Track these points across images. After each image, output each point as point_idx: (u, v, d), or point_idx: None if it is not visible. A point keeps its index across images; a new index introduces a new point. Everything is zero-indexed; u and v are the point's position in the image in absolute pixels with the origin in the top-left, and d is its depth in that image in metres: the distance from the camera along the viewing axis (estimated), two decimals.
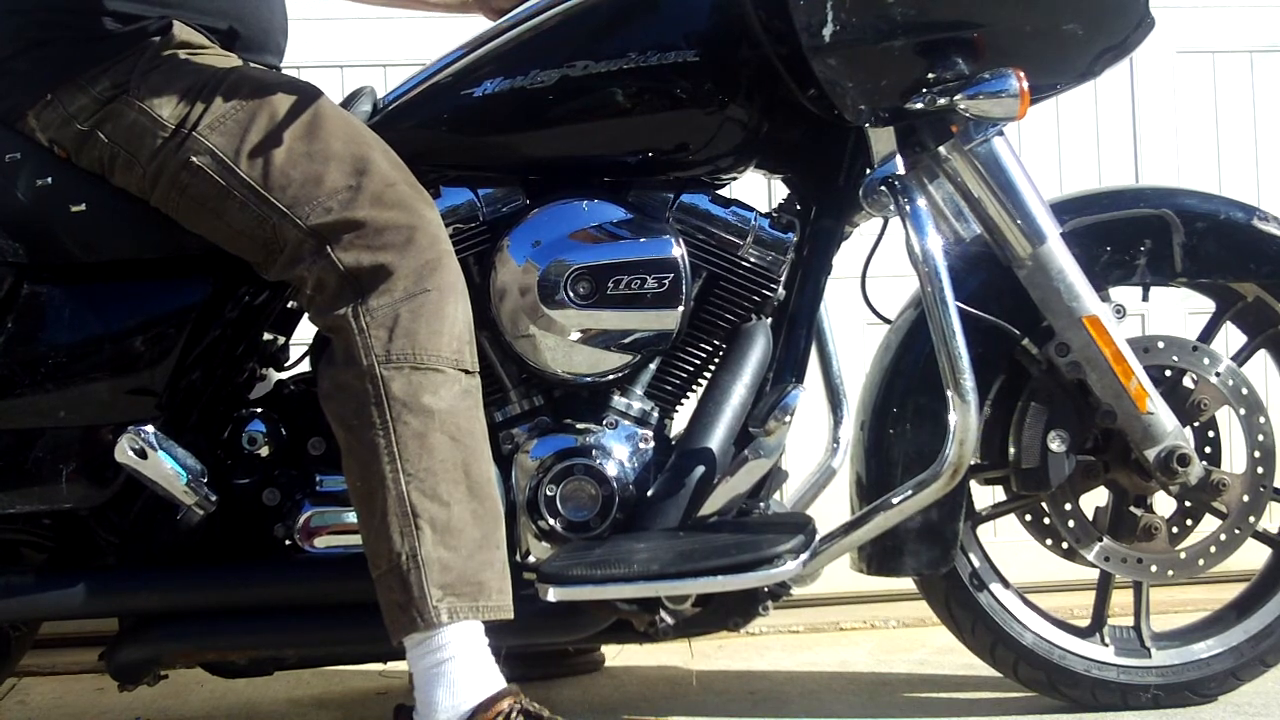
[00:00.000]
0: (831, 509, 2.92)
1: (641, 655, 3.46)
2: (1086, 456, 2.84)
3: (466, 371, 2.47)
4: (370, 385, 2.42)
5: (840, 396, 2.94)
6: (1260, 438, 2.85)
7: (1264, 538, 2.98)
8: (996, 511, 2.98)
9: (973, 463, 2.72)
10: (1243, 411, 2.85)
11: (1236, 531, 2.85)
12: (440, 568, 2.39)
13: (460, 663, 2.40)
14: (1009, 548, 3.09)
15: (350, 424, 2.44)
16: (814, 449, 2.96)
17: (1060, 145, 4.04)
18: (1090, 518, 2.87)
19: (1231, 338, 3.02)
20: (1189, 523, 2.87)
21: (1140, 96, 4.08)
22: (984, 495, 3.03)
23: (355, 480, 2.45)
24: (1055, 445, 2.79)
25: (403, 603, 2.39)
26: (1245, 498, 2.84)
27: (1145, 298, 2.92)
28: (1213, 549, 2.85)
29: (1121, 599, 2.97)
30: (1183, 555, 2.86)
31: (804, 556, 2.57)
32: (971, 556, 2.91)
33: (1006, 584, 2.93)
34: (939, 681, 3.17)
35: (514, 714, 2.39)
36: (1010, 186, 2.68)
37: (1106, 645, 2.93)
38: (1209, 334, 2.95)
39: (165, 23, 2.59)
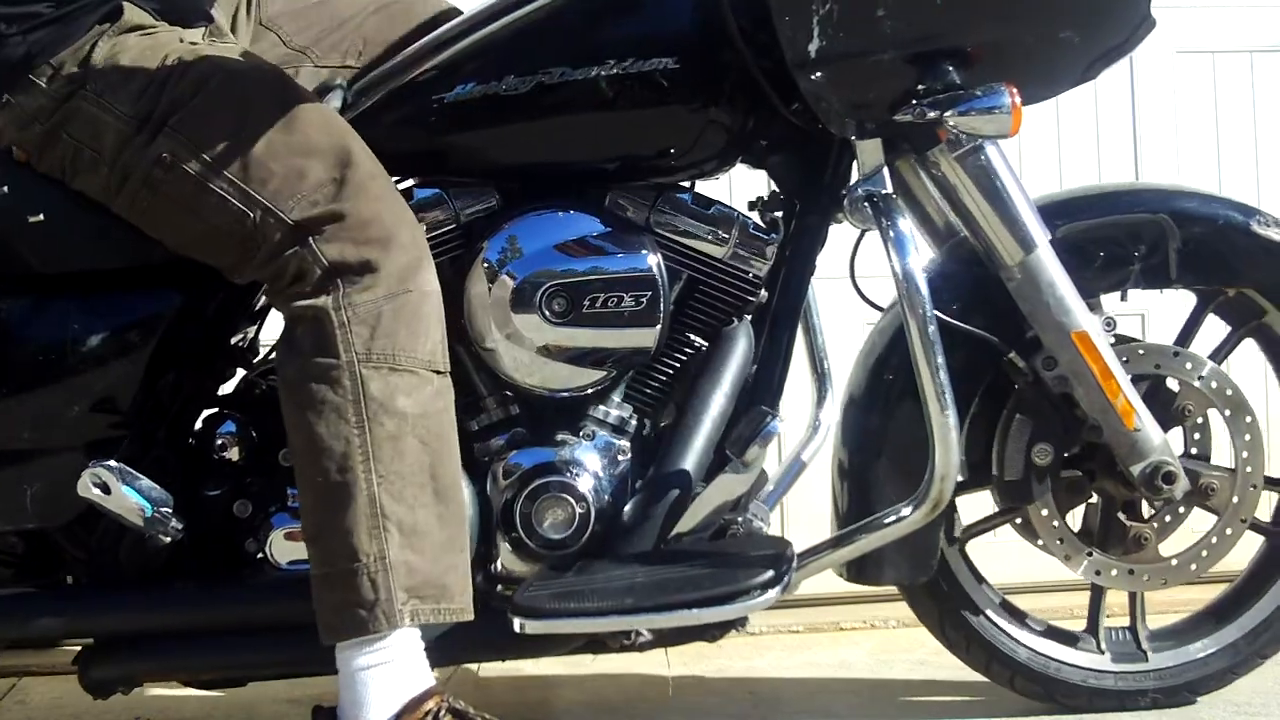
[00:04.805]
0: (817, 497, 2.96)
1: (640, 655, 3.45)
2: (1072, 471, 2.83)
3: (439, 373, 2.45)
4: (349, 381, 2.39)
5: (826, 381, 2.94)
6: (1247, 437, 2.83)
7: (1256, 527, 2.95)
8: (984, 527, 2.96)
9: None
10: (1228, 413, 2.83)
11: (1228, 532, 2.83)
12: (407, 571, 2.37)
13: (396, 666, 2.39)
14: (1005, 548, 3.07)
15: (320, 415, 2.40)
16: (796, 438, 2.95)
17: (1060, 145, 4.01)
18: (1079, 523, 2.87)
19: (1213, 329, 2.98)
20: (1181, 510, 2.84)
21: (1140, 96, 4.05)
22: (980, 502, 3.01)
23: (315, 476, 2.41)
24: (1039, 458, 2.78)
25: (363, 603, 2.36)
26: (1235, 499, 2.83)
27: (1124, 298, 2.87)
28: (1204, 553, 2.84)
29: (1119, 597, 2.97)
30: (1174, 563, 2.84)
31: (779, 588, 2.54)
32: (961, 576, 2.91)
33: (998, 600, 2.94)
34: (939, 681, 3.16)
35: (441, 713, 2.38)
36: (999, 194, 2.64)
37: (1102, 653, 2.93)
38: (1191, 329, 2.92)
39: (113, 6, 2.51)
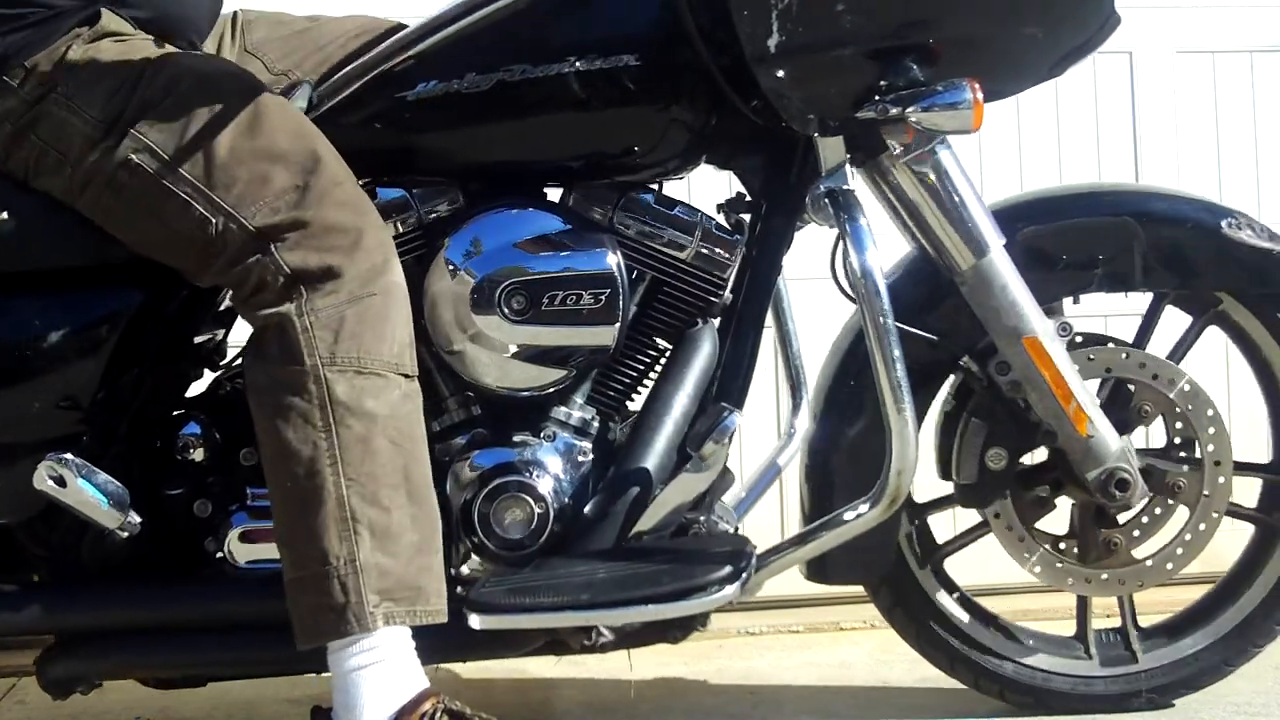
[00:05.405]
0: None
1: (640, 656, 3.46)
2: (1037, 478, 2.83)
3: (406, 376, 2.46)
4: (314, 386, 2.39)
5: (800, 388, 2.95)
6: (1211, 430, 2.80)
7: (1241, 514, 2.94)
8: (956, 546, 2.97)
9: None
10: (1189, 408, 2.80)
11: (1202, 528, 2.81)
12: (379, 573, 2.37)
13: (387, 666, 2.40)
14: (999, 548, 3.06)
15: (287, 420, 2.41)
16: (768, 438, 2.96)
17: (1060, 145, 3.99)
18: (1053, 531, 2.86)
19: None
20: (1160, 511, 2.84)
21: (1140, 96, 4.03)
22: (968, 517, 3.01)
23: (285, 480, 2.42)
24: (993, 463, 2.78)
25: (335, 606, 2.37)
26: (1205, 492, 2.80)
27: (1076, 301, 2.85)
28: (1180, 550, 2.82)
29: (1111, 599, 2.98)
30: (1149, 563, 2.83)
31: (737, 585, 2.54)
32: (940, 597, 2.93)
33: (980, 616, 2.95)
34: (938, 682, 3.11)
35: (437, 714, 2.39)
36: (951, 198, 2.64)
37: (1091, 658, 2.93)
38: (1148, 325, 2.90)
39: (92, 11, 2.53)
